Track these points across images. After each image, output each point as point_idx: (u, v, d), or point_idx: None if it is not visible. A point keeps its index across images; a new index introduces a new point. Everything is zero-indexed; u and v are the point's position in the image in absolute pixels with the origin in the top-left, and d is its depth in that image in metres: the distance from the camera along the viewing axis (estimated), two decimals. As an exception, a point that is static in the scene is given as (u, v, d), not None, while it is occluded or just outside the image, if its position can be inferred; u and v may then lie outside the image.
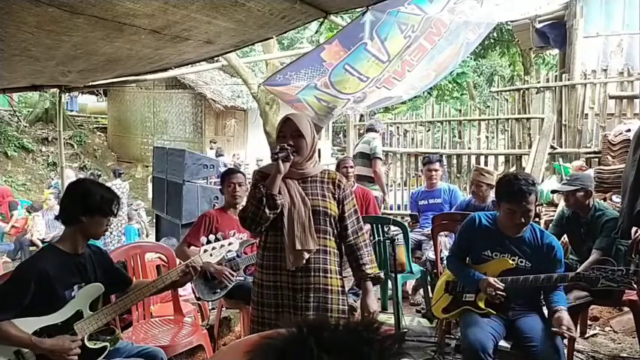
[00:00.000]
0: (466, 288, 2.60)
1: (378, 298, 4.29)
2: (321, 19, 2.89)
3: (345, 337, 0.67)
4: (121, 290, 2.26)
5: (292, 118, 2.11)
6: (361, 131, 8.31)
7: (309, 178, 2.14)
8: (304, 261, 2.04)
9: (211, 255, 2.59)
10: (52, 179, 12.32)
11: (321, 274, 2.08)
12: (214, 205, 6.19)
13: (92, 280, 2.16)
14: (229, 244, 2.66)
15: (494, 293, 2.43)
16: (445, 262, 3.01)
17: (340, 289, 2.14)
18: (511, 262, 2.48)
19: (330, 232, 2.11)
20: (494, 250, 2.55)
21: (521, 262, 2.49)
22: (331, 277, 2.10)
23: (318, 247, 2.07)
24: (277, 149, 2.05)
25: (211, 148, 14.04)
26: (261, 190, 2.04)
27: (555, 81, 6.58)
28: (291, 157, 2.04)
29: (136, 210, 9.79)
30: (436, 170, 4.62)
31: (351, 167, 4.54)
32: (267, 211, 2.02)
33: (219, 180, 4.88)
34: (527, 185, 2.39)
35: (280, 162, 2.02)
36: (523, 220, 2.42)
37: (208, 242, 2.63)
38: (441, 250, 3.66)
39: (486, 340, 2.31)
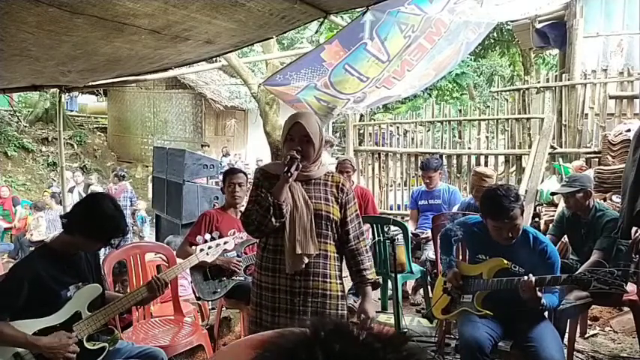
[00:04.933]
0: (464, 289, 2.59)
1: (378, 298, 4.30)
2: (321, 19, 2.89)
3: (358, 352, 0.62)
4: None
5: (301, 121, 2.04)
6: (361, 131, 8.34)
7: (313, 181, 2.10)
8: (303, 265, 2.02)
9: (207, 254, 2.60)
10: (54, 180, 12.30)
11: (320, 278, 2.05)
12: (214, 205, 6.18)
13: (90, 279, 2.16)
14: (225, 242, 2.68)
15: (450, 287, 2.63)
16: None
17: (340, 294, 2.11)
18: (506, 262, 2.48)
19: (330, 237, 2.09)
20: (487, 253, 2.56)
21: (514, 267, 2.48)
22: (330, 282, 2.07)
23: (319, 251, 2.05)
24: (286, 161, 1.98)
25: (225, 155, 13.93)
26: (268, 199, 1.99)
27: (555, 81, 6.56)
28: (300, 166, 2.01)
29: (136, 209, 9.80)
30: (431, 177, 4.60)
31: (353, 169, 4.54)
32: (273, 220, 1.99)
33: (220, 180, 4.86)
34: (509, 202, 2.38)
35: None
36: (511, 235, 2.44)
37: (204, 242, 2.65)
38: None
39: (483, 340, 2.31)
